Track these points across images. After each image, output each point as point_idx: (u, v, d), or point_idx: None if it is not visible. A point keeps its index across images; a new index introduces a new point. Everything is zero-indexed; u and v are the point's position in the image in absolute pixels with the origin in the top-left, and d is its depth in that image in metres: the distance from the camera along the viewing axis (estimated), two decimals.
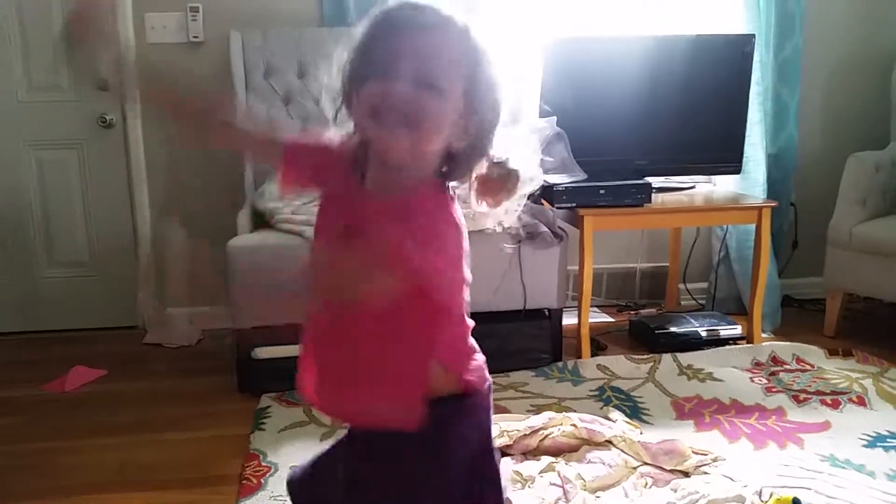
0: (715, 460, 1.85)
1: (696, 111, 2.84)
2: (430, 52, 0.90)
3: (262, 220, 2.63)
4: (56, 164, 3.02)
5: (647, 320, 2.88)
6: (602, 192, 2.58)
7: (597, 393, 2.36)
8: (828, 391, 2.31)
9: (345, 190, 0.98)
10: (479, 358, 1.05)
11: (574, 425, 1.95)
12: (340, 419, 0.96)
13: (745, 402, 2.26)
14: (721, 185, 3.12)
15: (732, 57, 2.81)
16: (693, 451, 1.87)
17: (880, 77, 3.15)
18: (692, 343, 2.70)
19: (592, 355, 2.65)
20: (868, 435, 2.03)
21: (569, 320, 2.69)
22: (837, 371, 2.46)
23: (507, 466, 1.81)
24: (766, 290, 2.79)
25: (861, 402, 2.24)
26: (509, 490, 1.10)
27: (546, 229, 2.47)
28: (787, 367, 2.52)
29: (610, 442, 1.93)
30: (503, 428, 1.92)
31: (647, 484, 1.79)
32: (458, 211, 0.95)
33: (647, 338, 2.78)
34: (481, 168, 0.98)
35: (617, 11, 3.03)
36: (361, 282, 0.84)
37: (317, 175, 1.03)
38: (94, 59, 0.96)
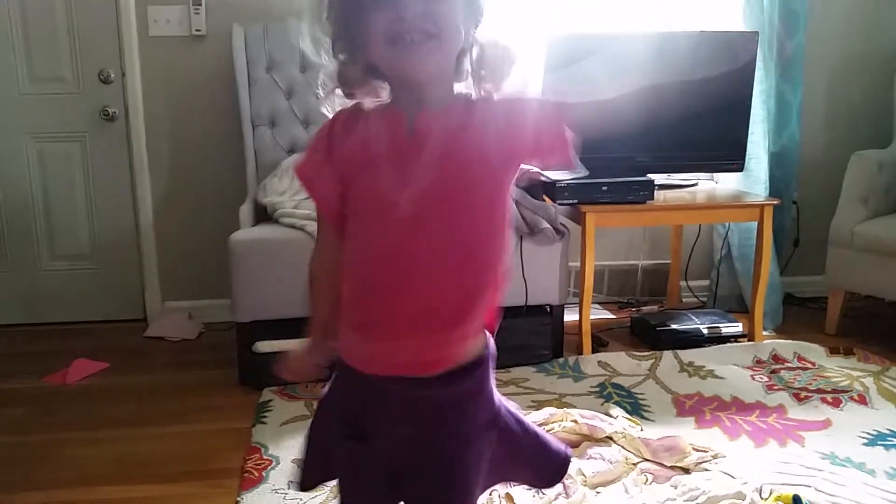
0: (715, 457, 1.85)
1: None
2: None
3: (264, 214, 2.63)
4: (58, 156, 3.02)
5: (649, 317, 2.88)
6: (604, 188, 2.58)
7: (598, 389, 2.36)
8: (829, 389, 2.31)
9: (391, 148, 0.93)
10: None
11: (575, 421, 1.95)
12: (394, 372, 0.96)
13: (746, 400, 2.26)
14: (723, 183, 3.11)
15: (736, 54, 2.80)
16: (693, 448, 1.87)
17: (884, 75, 3.14)
18: (693, 340, 2.70)
19: (593, 352, 2.66)
20: (868, 433, 2.03)
21: (570, 317, 2.69)
22: (838, 369, 2.46)
23: None
24: (768, 287, 2.79)
25: (862, 400, 2.24)
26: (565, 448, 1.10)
27: (548, 225, 2.47)
28: (789, 365, 2.52)
29: (610, 438, 1.93)
30: None
31: (647, 480, 1.79)
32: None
33: (649, 335, 2.79)
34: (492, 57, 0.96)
35: (620, 8, 3.02)
36: None
37: (344, 184, 0.97)
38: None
